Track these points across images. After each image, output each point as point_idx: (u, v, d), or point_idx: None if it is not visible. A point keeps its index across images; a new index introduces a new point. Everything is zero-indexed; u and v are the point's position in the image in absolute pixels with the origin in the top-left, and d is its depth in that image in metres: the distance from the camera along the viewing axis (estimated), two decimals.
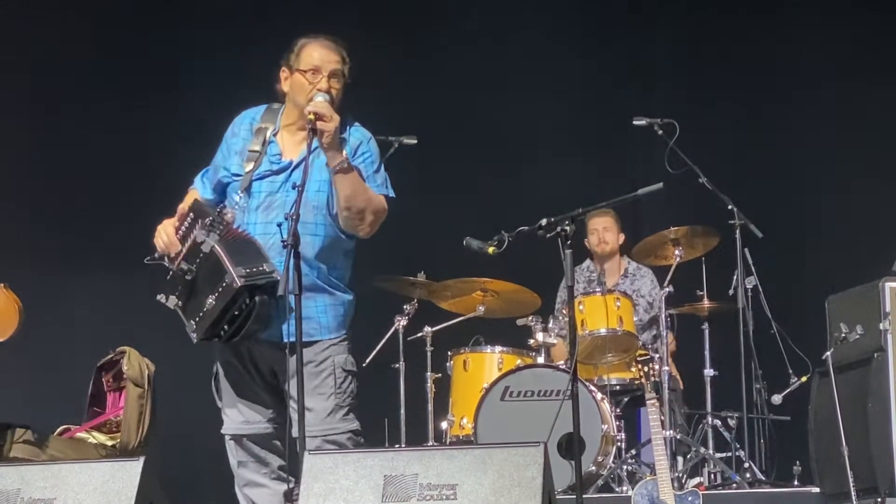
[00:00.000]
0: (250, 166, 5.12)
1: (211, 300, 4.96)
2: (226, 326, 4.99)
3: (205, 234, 4.98)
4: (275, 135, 5.21)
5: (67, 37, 9.24)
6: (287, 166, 5.14)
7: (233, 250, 4.94)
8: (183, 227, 5.09)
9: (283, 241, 4.88)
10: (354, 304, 5.29)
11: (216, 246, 4.94)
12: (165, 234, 5.12)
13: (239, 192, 5.15)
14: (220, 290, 4.92)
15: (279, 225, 5.05)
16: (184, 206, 5.17)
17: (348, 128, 5.23)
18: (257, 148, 5.13)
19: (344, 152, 5.08)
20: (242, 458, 5.20)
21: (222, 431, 5.24)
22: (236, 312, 4.95)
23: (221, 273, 4.91)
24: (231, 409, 5.21)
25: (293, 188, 5.02)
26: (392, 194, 5.26)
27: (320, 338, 5.14)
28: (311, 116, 5.02)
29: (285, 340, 5.01)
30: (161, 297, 5.13)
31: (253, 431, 5.17)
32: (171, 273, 5.14)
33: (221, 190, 5.28)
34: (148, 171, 9.30)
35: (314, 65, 5.15)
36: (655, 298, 8.40)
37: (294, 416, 5.03)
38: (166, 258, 5.13)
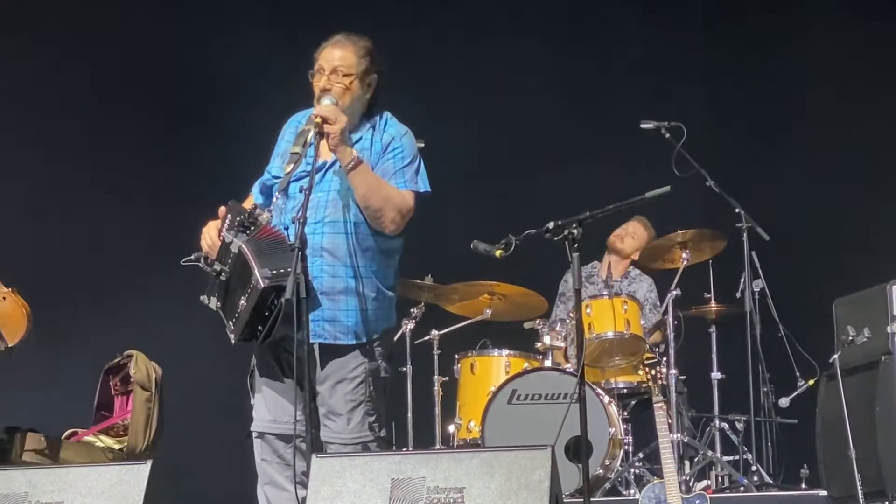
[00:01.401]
0: (289, 168, 5.11)
1: (243, 301, 4.96)
2: (260, 327, 4.97)
3: (232, 235, 4.99)
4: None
5: (67, 42, 9.26)
6: (321, 167, 5.15)
7: (261, 251, 4.94)
8: (223, 229, 5.10)
9: (290, 245, 4.90)
10: (393, 305, 5.27)
11: (243, 246, 4.95)
12: (209, 237, 5.14)
13: (277, 193, 5.17)
14: (249, 290, 4.93)
15: (286, 228, 5.06)
16: (224, 208, 5.19)
17: (385, 123, 5.26)
18: (298, 150, 5.10)
19: (353, 151, 5.09)
20: (267, 456, 5.19)
21: (251, 428, 5.24)
22: (266, 313, 4.94)
23: (249, 274, 4.92)
24: (261, 406, 5.21)
25: (300, 191, 5.03)
26: (424, 189, 5.27)
27: (346, 342, 5.13)
28: (318, 120, 5.05)
29: (312, 342, 5.03)
30: (204, 299, 5.15)
31: (279, 431, 5.15)
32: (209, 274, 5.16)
33: (268, 193, 5.31)
34: (153, 172, 9.31)
35: (318, 65, 5.21)
36: (649, 300, 8.41)
37: (323, 420, 5.07)
38: (202, 260, 5.14)
